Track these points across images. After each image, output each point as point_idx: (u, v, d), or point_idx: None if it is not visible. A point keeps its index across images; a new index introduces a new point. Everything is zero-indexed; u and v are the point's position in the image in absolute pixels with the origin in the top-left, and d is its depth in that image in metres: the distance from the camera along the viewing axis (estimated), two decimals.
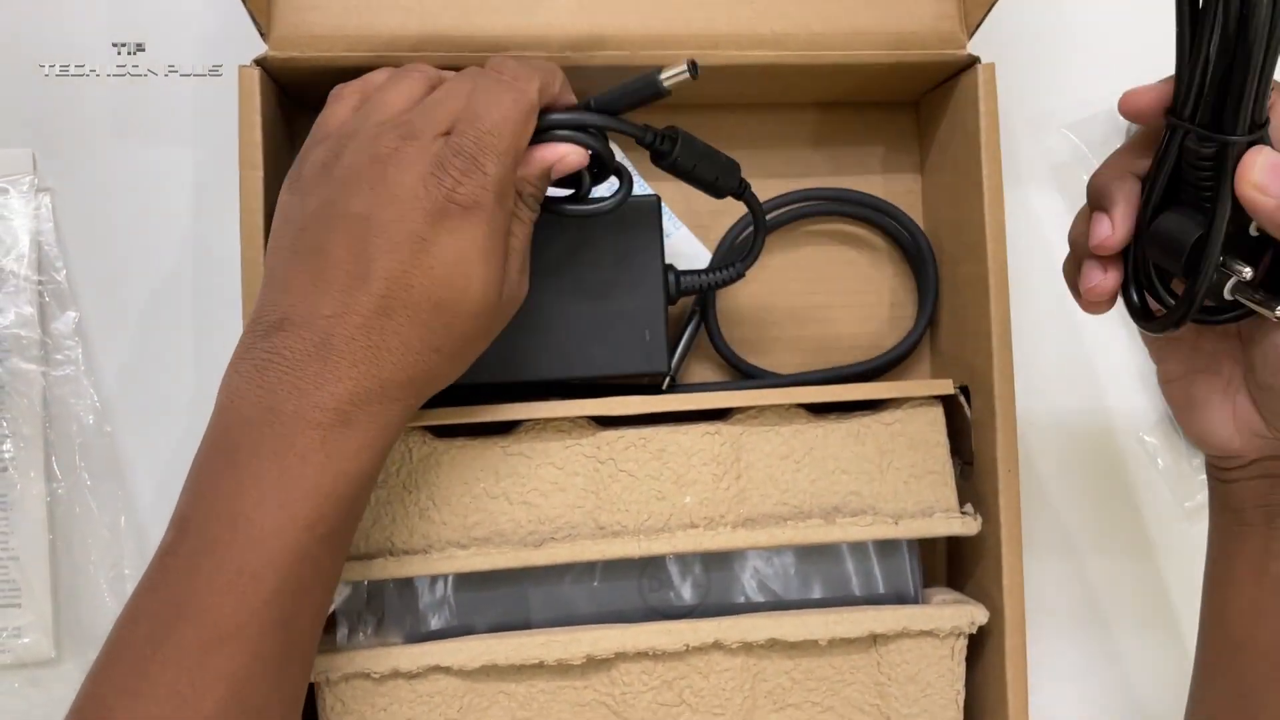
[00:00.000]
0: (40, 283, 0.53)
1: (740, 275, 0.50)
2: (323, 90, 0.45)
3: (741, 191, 0.47)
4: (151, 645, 0.36)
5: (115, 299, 0.55)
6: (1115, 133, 0.60)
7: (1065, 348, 0.60)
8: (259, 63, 0.48)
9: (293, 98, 0.52)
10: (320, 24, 0.48)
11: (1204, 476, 0.59)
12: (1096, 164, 0.59)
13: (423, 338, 0.39)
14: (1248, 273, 0.39)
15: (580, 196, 0.46)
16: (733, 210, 0.56)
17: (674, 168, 0.46)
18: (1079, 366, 0.61)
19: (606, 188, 0.47)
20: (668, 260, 0.51)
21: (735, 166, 0.47)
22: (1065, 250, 0.60)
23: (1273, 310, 0.39)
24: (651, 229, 0.50)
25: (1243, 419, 0.43)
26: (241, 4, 0.46)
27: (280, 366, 0.38)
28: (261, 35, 0.48)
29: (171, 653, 0.36)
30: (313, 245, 0.39)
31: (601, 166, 0.46)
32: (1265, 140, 0.37)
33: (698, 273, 0.51)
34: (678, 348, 0.55)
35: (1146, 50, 0.59)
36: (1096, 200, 0.43)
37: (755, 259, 0.49)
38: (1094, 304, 0.43)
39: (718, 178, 0.46)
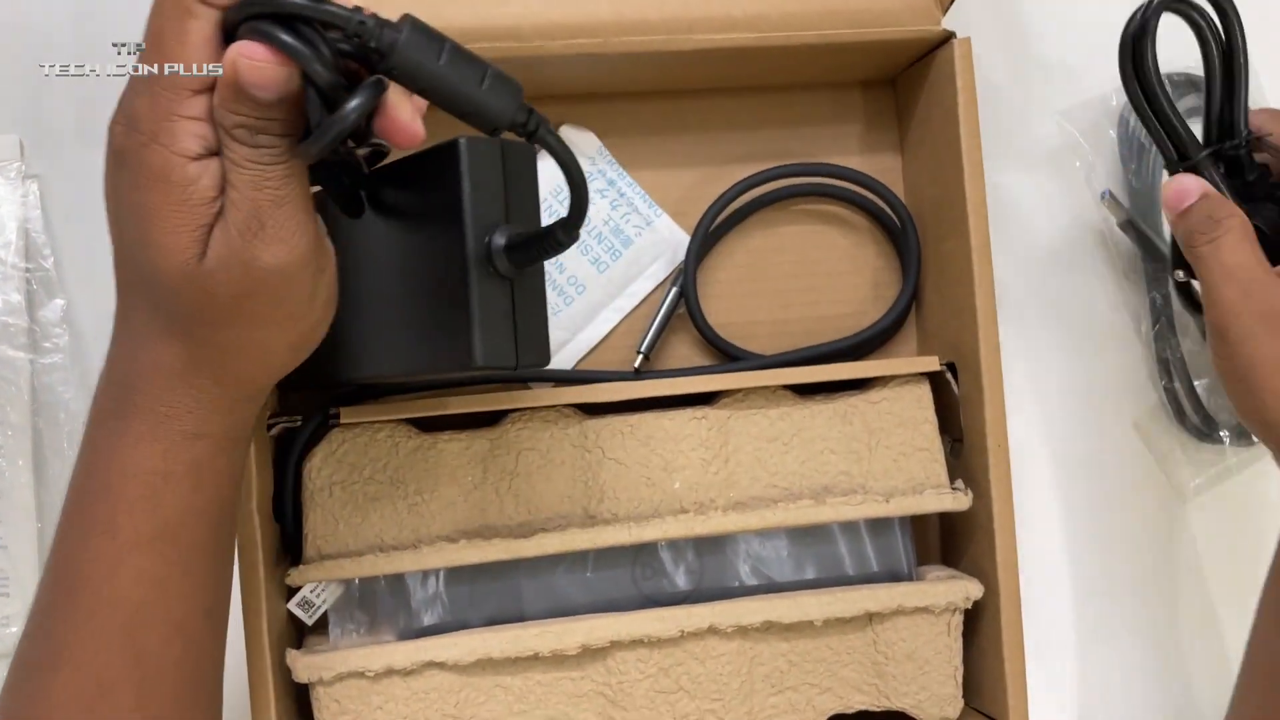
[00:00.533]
0: (28, 270, 0.53)
1: (566, 241, 0.36)
2: None
3: (531, 128, 0.33)
4: (15, 669, 0.36)
5: (103, 286, 0.54)
6: (1107, 119, 0.60)
7: (1059, 336, 0.60)
8: None
9: None
10: None
11: (1198, 463, 0.60)
12: (1088, 149, 0.60)
13: (155, 318, 0.34)
14: (1179, 274, 0.52)
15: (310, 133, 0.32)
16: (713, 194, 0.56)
17: (398, 74, 0.32)
18: (1072, 352, 0.61)
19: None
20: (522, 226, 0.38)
21: (512, 88, 0.33)
22: (1058, 237, 0.60)
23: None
24: (453, 180, 0.37)
25: None
26: None
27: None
28: None
29: (25, 680, 0.35)
30: None
31: (330, 81, 0.31)
32: (1220, 157, 0.49)
33: (521, 238, 0.37)
34: (536, 331, 0.39)
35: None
36: None
37: (581, 219, 0.35)
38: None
39: (474, 101, 0.32)
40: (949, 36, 0.51)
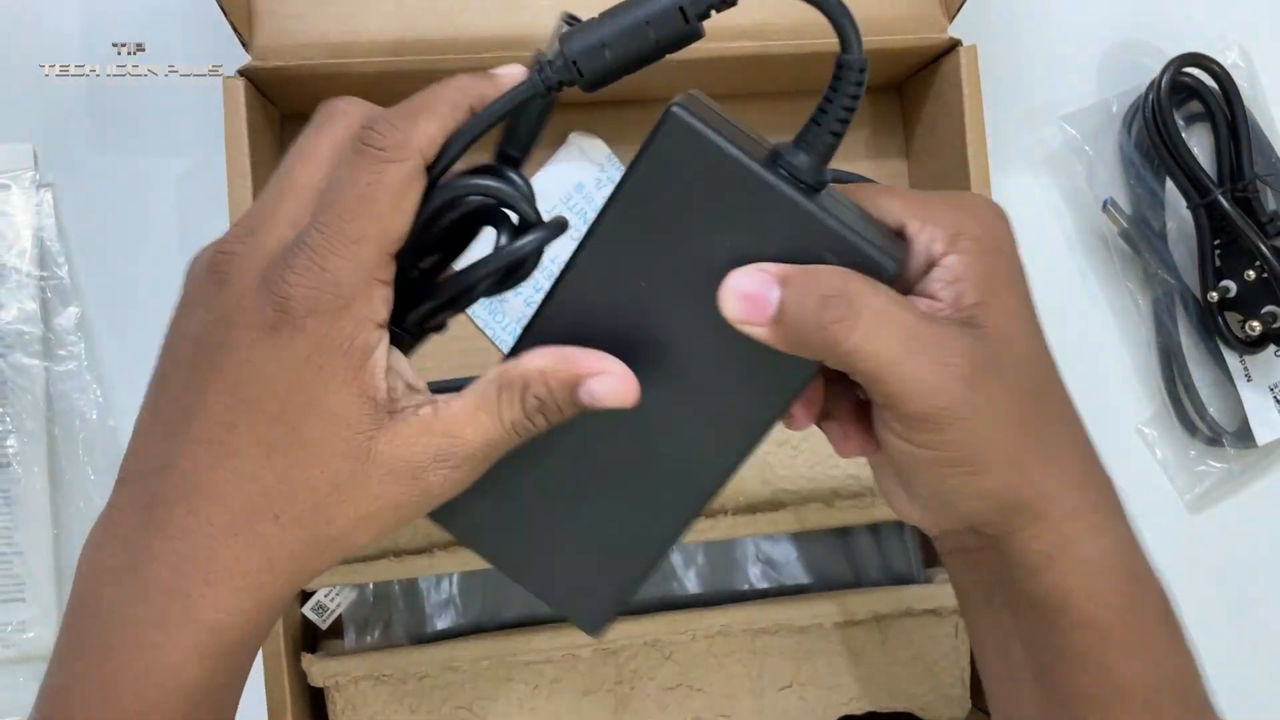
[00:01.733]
0: (42, 278, 0.53)
1: (858, 93, 0.33)
2: (308, 96, 0.45)
3: (704, 6, 0.31)
4: None
5: (117, 294, 0.55)
6: (1108, 123, 0.60)
7: (1061, 339, 0.60)
8: (243, 73, 0.48)
9: (279, 105, 0.52)
10: (302, 32, 0.48)
11: (1202, 467, 0.60)
12: (1091, 153, 0.60)
13: (253, 500, 0.30)
14: (1214, 296, 0.57)
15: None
16: None
17: (599, 82, 0.31)
18: (1075, 358, 0.60)
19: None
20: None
21: (672, 7, 0.31)
22: (1061, 241, 0.61)
23: None
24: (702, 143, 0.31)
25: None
26: (223, 15, 0.47)
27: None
28: (244, 45, 0.48)
29: None
30: (157, 372, 0.32)
31: (504, 215, 0.32)
32: (1234, 198, 0.55)
33: (804, 139, 0.33)
34: None
35: (1138, 45, 0.60)
36: None
37: (858, 53, 0.32)
38: None
39: (656, 38, 0.31)
40: (955, 44, 0.52)
